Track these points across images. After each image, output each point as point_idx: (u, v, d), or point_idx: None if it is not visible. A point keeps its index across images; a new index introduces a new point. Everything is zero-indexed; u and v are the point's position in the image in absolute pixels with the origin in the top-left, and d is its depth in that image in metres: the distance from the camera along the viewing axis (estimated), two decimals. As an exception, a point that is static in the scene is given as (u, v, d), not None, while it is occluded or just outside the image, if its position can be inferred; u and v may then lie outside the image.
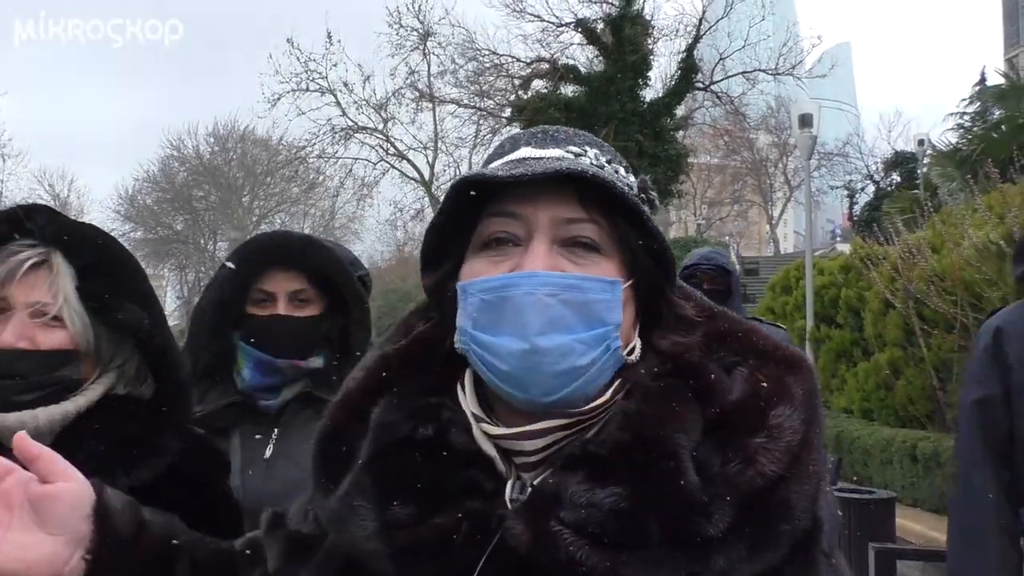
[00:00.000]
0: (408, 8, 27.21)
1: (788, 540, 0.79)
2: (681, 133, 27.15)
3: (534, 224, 0.85)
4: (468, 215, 0.89)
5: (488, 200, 0.88)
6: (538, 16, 25.88)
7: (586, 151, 0.91)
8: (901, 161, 29.47)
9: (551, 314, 0.80)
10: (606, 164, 0.91)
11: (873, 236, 10.57)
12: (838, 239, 40.57)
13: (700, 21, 26.15)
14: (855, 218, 32.91)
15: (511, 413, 0.87)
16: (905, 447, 8.14)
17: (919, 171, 24.03)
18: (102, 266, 1.28)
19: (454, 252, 0.91)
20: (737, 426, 0.80)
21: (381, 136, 30.13)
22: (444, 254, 0.92)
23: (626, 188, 0.89)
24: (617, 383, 0.86)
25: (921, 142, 24.34)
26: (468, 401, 0.89)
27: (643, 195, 0.94)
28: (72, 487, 0.94)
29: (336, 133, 29.47)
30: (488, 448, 0.86)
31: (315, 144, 29.76)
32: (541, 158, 0.88)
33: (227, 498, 1.42)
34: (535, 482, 0.84)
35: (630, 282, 0.88)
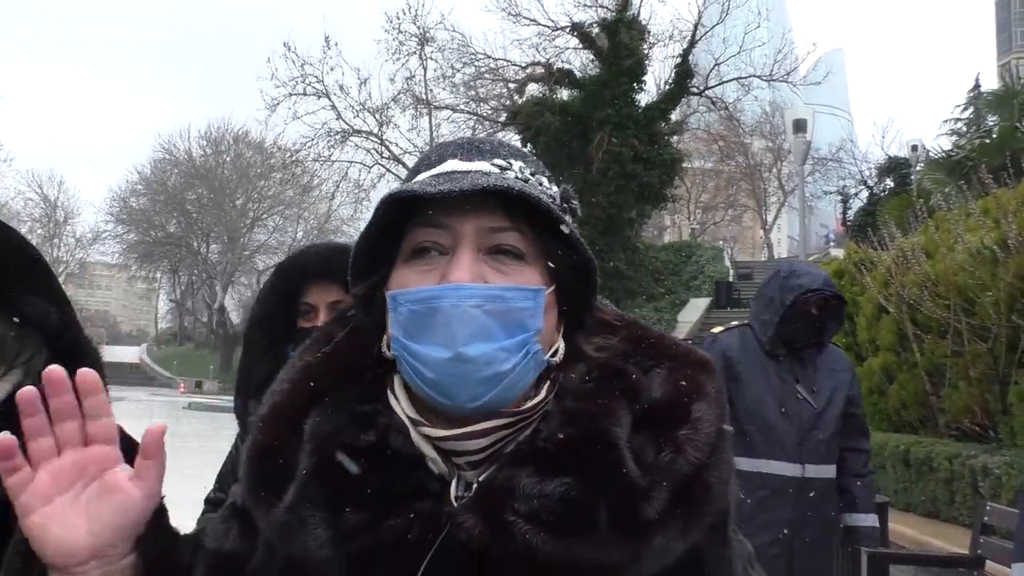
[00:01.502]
0: (406, 13, 27.29)
1: (709, 520, 0.88)
2: (676, 138, 27.22)
3: (460, 234, 0.88)
4: (397, 225, 0.91)
5: (416, 211, 0.90)
6: (534, 20, 25.96)
7: (511, 164, 0.93)
8: (895, 166, 29.50)
9: (476, 324, 0.85)
10: (530, 177, 0.94)
11: (867, 241, 10.60)
12: (832, 244, 40.69)
13: (696, 26, 26.24)
14: (849, 223, 32.95)
15: (441, 417, 0.90)
16: (898, 452, 8.15)
17: (912, 176, 24.11)
18: (2, 260, 1.22)
19: (383, 261, 0.93)
20: (665, 420, 0.88)
21: (376, 139, 30.17)
22: (374, 264, 0.94)
23: (549, 200, 0.92)
24: (548, 384, 0.91)
25: (915, 147, 24.48)
26: (403, 406, 0.91)
27: (565, 204, 0.98)
28: (144, 498, 0.87)
29: (332, 136, 29.54)
30: (428, 450, 0.89)
31: (310, 148, 29.83)
32: (468, 171, 0.90)
33: None
34: (480, 479, 0.88)
35: (552, 288, 0.92)
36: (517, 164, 0.94)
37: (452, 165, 0.92)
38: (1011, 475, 6.50)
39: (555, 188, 0.97)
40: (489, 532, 0.82)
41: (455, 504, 0.86)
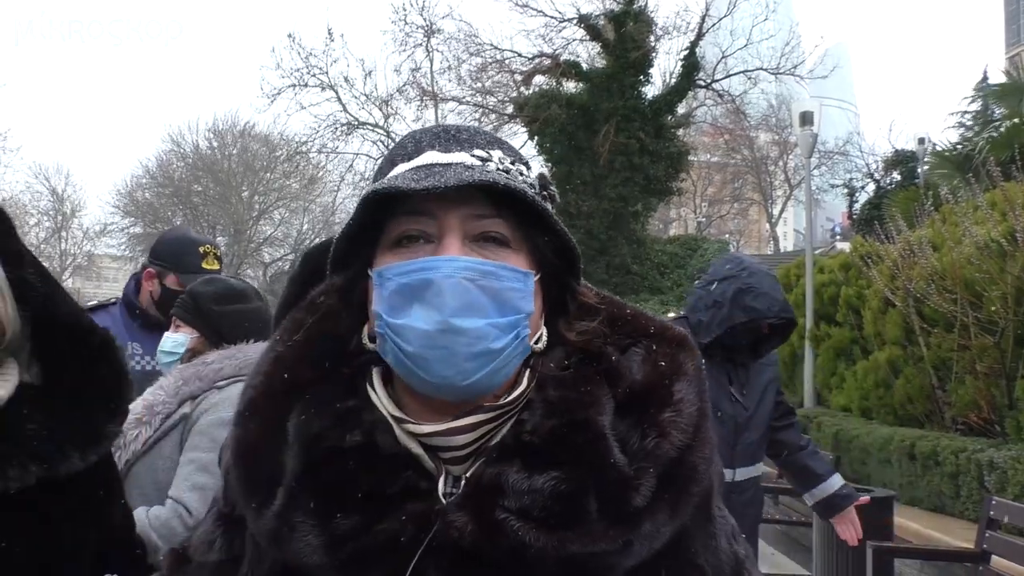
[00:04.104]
0: (413, 5, 27.24)
1: (697, 499, 0.88)
2: (682, 131, 27.10)
3: (446, 222, 0.87)
4: (375, 217, 0.90)
5: (397, 201, 0.88)
6: (541, 11, 25.86)
7: (491, 155, 0.92)
8: (901, 160, 29.33)
9: (469, 297, 0.83)
10: (511, 167, 0.92)
11: (873, 234, 10.55)
12: (838, 237, 40.47)
13: (703, 18, 26.10)
14: (855, 216, 32.79)
15: (424, 410, 0.89)
16: (903, 446, 8.12)
17: (919, 170, 23.97)
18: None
19: (362, 253, 0.92)
20: (648, 403, 0.88)
21: (382, 132, 30.12)
22: (354, 256, 0.93)
23: (530, 189, 0.91)
24: (528, 373, 0.91)
25: (921, 140, 24.28)
26: (384, 402, 0.90)
27: (544, 192, 0.97)
28: None
29: (337, 128, 29.53)
30: (414, 447, 0.88)
31: (315, 139, 29.82)
32: (448, 164, 0.89)
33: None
34: (467, 475, 0.87)
35: (538, 276, 0.91)
36: (496, 154, 0.93)
37: (431, 157, 0.91)
38: (1017, 470, 6.48)
39: (534, 174, 0.96)
40: (480, 530, 0.82)
41: (444, 501, 0.86)
